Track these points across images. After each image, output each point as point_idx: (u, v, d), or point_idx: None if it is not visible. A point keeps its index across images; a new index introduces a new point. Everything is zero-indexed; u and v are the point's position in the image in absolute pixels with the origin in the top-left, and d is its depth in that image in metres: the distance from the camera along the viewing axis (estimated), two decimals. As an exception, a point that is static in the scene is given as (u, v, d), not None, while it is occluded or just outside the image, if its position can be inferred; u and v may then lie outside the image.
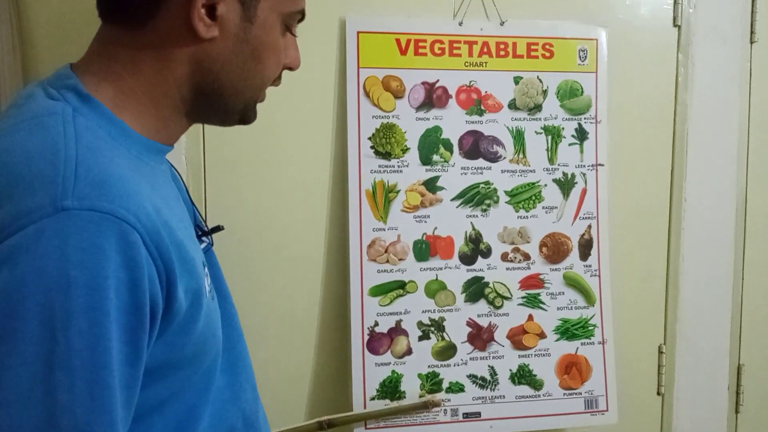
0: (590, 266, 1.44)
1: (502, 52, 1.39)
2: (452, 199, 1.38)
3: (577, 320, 1.43)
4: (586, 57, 1.43)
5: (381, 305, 1.34)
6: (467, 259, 1.39)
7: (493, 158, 1.40)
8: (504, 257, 1.40)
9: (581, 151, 1.44)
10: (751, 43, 1.57)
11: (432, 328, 1.37)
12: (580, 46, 1.43)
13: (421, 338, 1.37)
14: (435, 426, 1.36)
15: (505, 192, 1.40)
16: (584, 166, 1.44)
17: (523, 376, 1.40)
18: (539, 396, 1.41)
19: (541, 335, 1.42)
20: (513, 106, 1.40)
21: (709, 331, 1.58)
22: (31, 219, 0.59)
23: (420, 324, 1.37)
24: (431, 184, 1.37)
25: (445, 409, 1.36)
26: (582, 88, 1.43)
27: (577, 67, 1.43)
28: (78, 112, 0.67)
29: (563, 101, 1.42)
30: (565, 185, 1.43)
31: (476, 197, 1.39)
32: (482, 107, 1.39)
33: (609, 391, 1.44)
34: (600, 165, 1.45)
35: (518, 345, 1.41)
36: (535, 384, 1.41)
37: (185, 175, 1.25)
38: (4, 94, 1.19)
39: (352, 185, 1.33)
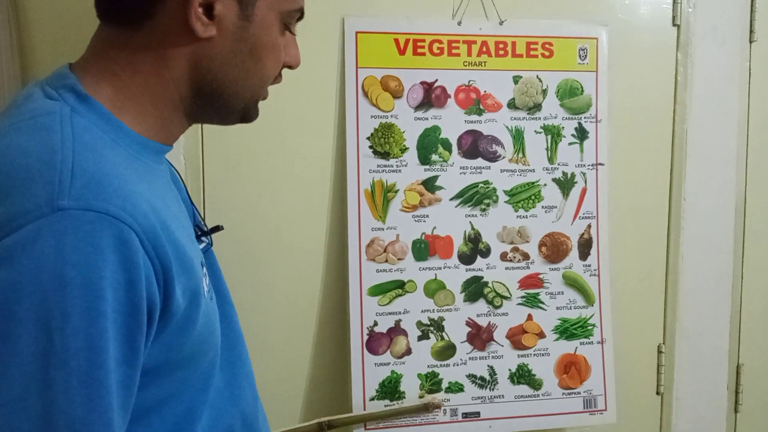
0: (590, 266, 1.44)
1: (501, 52, 1.39)
2: (451, 199, 1.38)
3: (576, 320, 1.43)
4: (586, 56, 1.43)
5: (380, 305, 1.34)
6: (466, 259, 1.39)
7: (492, 158, 1.40)
8: (503, 257, 1.40)
9: (581, 151, 1.44)
10: (751, 42, 1.57)
11: (431, 328, 1.37)
12: (580, 45, 1.43)
13: (420, 338, 1.37)
14: (434, 426, 1.36)
15: (505, 191, 1.40)
16: (584, 165, 1.44)
17: (522, 376, 1.40)
18: (538, 396, 1.41)
19: (541, 335, 1.42)
20: (512, 105, 1.40)
21: (709, 331, 1.58)
22: (28, 219, 0.59)
23: (419, 324, 1.37)
24: (430, 184, 1.37)
25: (444, 409, 1.36)
26: (582, 88, 1.43)
27: (577, 66, 1.43)
28: (76, 112, 0.67)
29: (563, 100, 1.42)
30: (565, 185, 1.43)
31: (475, 197, 1.39)
32: (481, 107, 1.39)
33: (608, 390, 1.44)
34: (600, 164, 1.44)
35: (517, 345, 1.41)
36: (535, 384, 1.41)
37: (184, 175, 1.25)
38: (2, 94, 1.19)
39: (350, 185, 1.33)
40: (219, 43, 0.73)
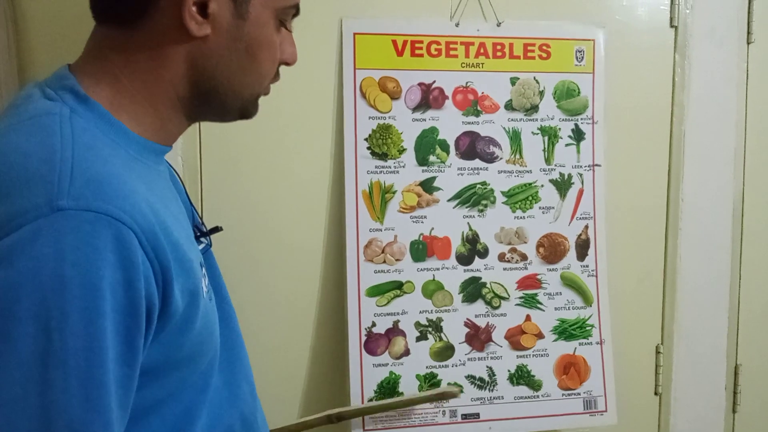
0: (587, 266, 1.44)
1: (498, 53, 1.39)
2: (449, 200, 1.38)
3: (574, 320, 1.43)
4: (583, 58, 1.44)
5: (378, 306, 1.34)
6: (464, 260, 1.39)
7: (490, 159, 1.40)
8: (501, 257, 1.40)
9: (578, 152, 1.44)
10: (748, 43, 1.57)
11: (430, 329, 1.37)
12: (577, 46, 1.43)
13: (418, 339, 1.37)
14: (433, 427, 1.35)
15: (502, 192, 1.40)
16: (581, 166, 1.44)
17: (521, 377, 1.40)
18: (538, 397, 1.41)
19: (539, 335, 1.42)
20: (510, 106, 1.40)
21: (707, 331, 1.58)
22: (27, 219, 0.59)
23: (418, 324, 1.37)
24: (428, 185, 1.37)
25: (443, 410, 1.36)
26: (579, 89, 1.43)
27: (574, 67, 1.43)
28: (75, 113, 0.67)
29: (560, 102, 1.43)
30: (562, 186, 1.43)
31: (473, 198, 1.39)
32: (479, 108, 1.39)
33: (608, 391, 1.44)
34: (597, 165, 1.45)
35: (516, 345, 1.41)
36: (534, 384, 1.41)
37: (182, 176, 1.25)
38: (1, 95, 1.19)
39: (348, 186, 1.34)
40: (214, 41, 0.73)
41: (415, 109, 1.36)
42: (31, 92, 0.71)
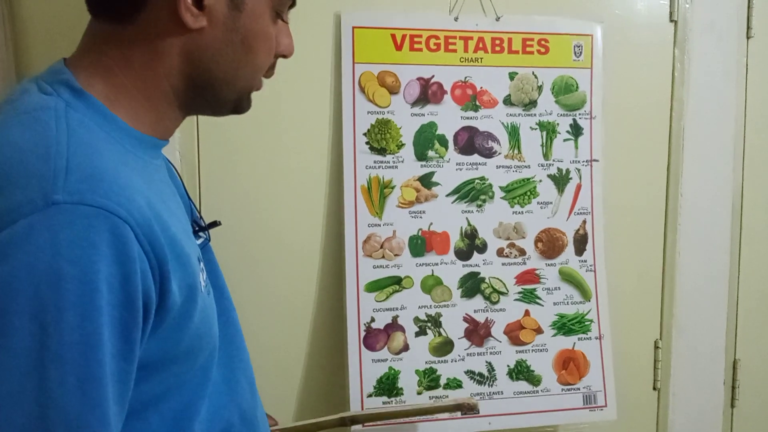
0: (585, 261, 1.44)
1: (497, 48, 1.39)
2: (447, 195, 1.38)
3: (573, 315, 1.43)
4: (581, 53, 1.43)
5: (377, 301, 1.34)
6: (463, 255, 1.39)
7: (488, 154, 1.40)
8: (499, 252, 1.40)
9: (576, 147, 1.44)
10: (748, 38, 1.57)
11: (429, 324, 1.37)
12: (575, 41, 1.43)
13: (417, 334, 1.37)
14: (433, 423, 1.35)
15: (500, 187, 1.40)
16: (579, 161, 1.44)
17: (521, 372, 1.40)
18: (537, 392, 1.41)
19: (538, 330, 1.42)
20: (508, 101, 1.40)
21: (706, 327, 1.58)
22: (22, 214, 0.58)
23: (417, 320, 1.36)
24: (426, 180, 1.37)
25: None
26: (577, 84, 1.43)
27: (572, 62, 1.43)
28: (71, 107, 0.67)
29: (558, 97, 1.42)
30: (560, 181, 1.43)
31: (471, 193, 1.39)
32: (477, 103, 1.39)
33: (607, 386, 1.44)
34: (594, 161, 1.45)
35: (515, 340, 1.41)
36: (533, 380, 1.41)
37: (179, 171, 1.25)
38: (-2, 91, 1.19)
39: (347, 181, 1.33)
40: (210, 33, 0.72)
41: (413, 104, 1.36)
42: (26, 87, 0.71)
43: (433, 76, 1.36)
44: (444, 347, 1.38)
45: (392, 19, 1.34)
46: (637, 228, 1.53)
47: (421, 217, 1.36)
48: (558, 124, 1.42)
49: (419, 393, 1.36)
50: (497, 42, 1.39)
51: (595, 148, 1.45)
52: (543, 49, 1.41)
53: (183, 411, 0.76)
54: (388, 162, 1.35)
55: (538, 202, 1.42)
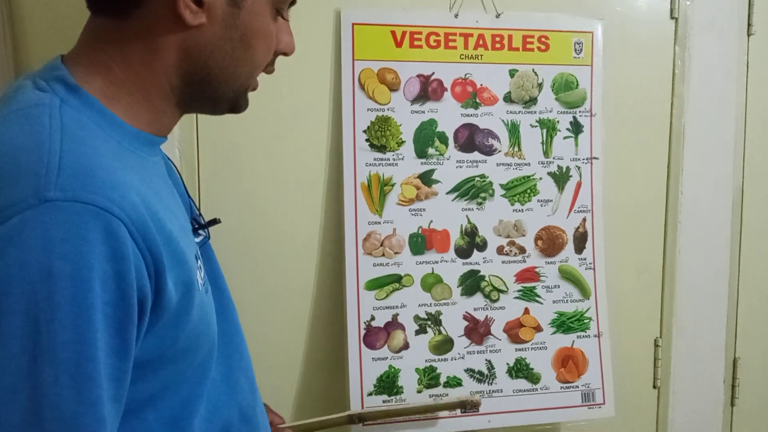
0: (585, 259, 1.44)
1: (497, 45, 1.38)
2: (448, 193, 1.37)
3: (572, 313, 1.43)
4: (581, 50, 1.43)
5: (377, 299, 1.34)
6: (463, 253, 1.38)
7: (489, 151, 1.39)
8: (500, 250, 1.40)
9: (576, 145, 1.43)
10: (748, 35, 1.57)
11: (429, 322, 1.37)
12: (576, 38, 1.42)
13: (417, 332, 1.36)
14: (433, 421, 1.35)
15: (501, 185, 1.40)
16: (579, 159, 1.44)
17: (520, 370, 1.40)
18: (536, 390, 1.41)
19: (538, 328, 1.42)
20: (508, 99, 1.40)
21: (706, 325, 1.58)
22: (15, 211, 0.58)
23: (417, 318, 1.36)
24: (426, 178, 1.36)
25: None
26: (577, 81, 1.43)
27: (573, 60, 1.43)
28: (66, 104, 0.67)
29: (558, 94, 1.42)
30: (560, 178, 1.43)
31: (471, 190, 1.38)
32: (477, 100, 1.38)
33: (605, 384, 1.44)
34: (594, 158, 1.44)
35: (515, 338, 1.41)
36: (533, 378, 1.41)
37: (179, 168, 1.24)
38: (-4, 88, 1.18)
39: (347, 178, 1.33)
40: (209, 30, 0.72)
41: (414, 101, 1.35)
42: (22, 84, 0.71)
43: (433, 73, 1.36)
44: (444, 345, 1.38)
45: (392, 15, 1.34)
46: (637, 226, 1.53)
47: (421, 215, 1.36)
48: (558, 121, 1.42)
49: (419, 391, 1.36)
50: (497, 39, 1.38)
51: (595, 145, 1.44)
52: (543, 46, 1.41)
53: (181, 409, 0.76)
54: (388, 159, 1.34)
55: (538, 200, 1.41)
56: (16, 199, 0.59)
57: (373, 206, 1.34)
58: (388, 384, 1.34)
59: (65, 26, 1.20)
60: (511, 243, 1.41)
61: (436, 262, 1.37)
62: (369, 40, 1.33)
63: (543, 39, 1.41)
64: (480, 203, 1.39)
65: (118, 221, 0.60)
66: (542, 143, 1.42)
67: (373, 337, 1.34)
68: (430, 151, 1.36)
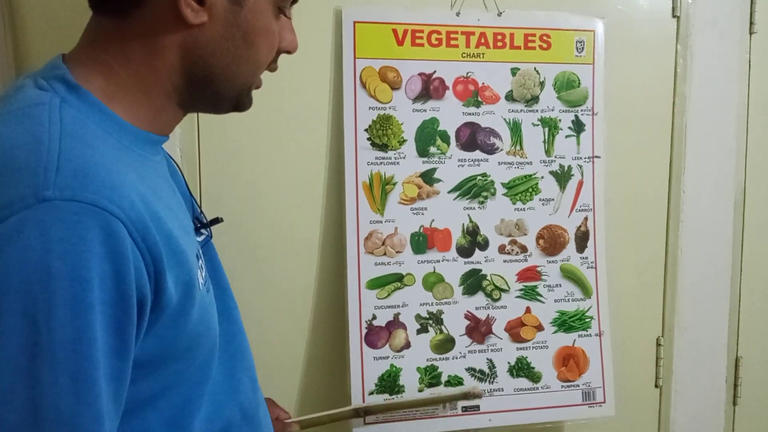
0: (587, 258, 1.44)
1: (499, 43, 1.38)
2: (449, 192, 1.37)
3: (574, 312, 1.43)
4: (583, 48, 1.43)
5: (378, 298, 1.34)
6: (465, 252, 1.38)
7: (490, 150, 1.39)
8: (501, 249, 1.40)
9: (578, 143, 1.43)
10: (750, 34, 1.57)
11: (430, 321, 1.37)
12: (578, 37, 1.42)
13: (419, 331, 1.36)
14: (434, 420, 1.35)
15: (502, 184, 1.40)
16: (581, 158, 1.43)
17: (521, 369, 1.40)
18: (537, 389, 1.41)
19: (539, 327, 1.41)
20: (510, 97, 1.39)
21: (708, 324, 1.58)
22: (13, 210, 0.58)
23: (418, 317, 1.36)
24: (428, 177, 1.36)
25: (443, 403, 1.36)
26: (579, 80, 1.43)
27: (574, 58, 1.42)
28: (66, 103, 0.66)
29: (560, 93, 1.42)
30: (562, 177, 1.42)
31: (473, 189, 1.38)
32: (479, 99, 1.38)
33: (606, 383, 1.43)
34: (596, 157, 1.44)
35: (516, 337, 1.40)
36: (534, 376, 1.41)
37: (180, 167, 1.24)
38: (-3, 88, 1.18)
39: (348, 177, 1.33)
40: (210, 29, 0.71)
41: (415, 100, 1.35)
42: (23, 83, 0.70)
43: (434, 72, 1.36)
44: (445, 344, 1.37)
45: (394, 13, 1.33)
46: (639, 225, 1.53)
47: (422, 214, 1.36)
48: (560, 120, 1.42)
49: (420, 390, 1.35)
50: (499, 37, 1.38)
51: (597, 144, 1.44)
52: (545, 45, 1.40)
53: (182, 408, 0.76)
54: (390, 158, 1.34)
55: (539, 199, 1.41)
56: (14, 198, 0.58)
57: (375, 205, 1.34)
58: (389, 383, 1.34)
59: (65, 26, 1.20)
60: (513, 242, 1.40)
61: (438, 261, 1.37)
62: (370, 38, 1.32)
63: (545, 37, 1.40)
64: (481, 202, 1.39)
65: (116, 221, 0.60)
66: (544, 142, 1.42)
67: (374, 336, 1.34)
68: (432, 149, 1.36)
